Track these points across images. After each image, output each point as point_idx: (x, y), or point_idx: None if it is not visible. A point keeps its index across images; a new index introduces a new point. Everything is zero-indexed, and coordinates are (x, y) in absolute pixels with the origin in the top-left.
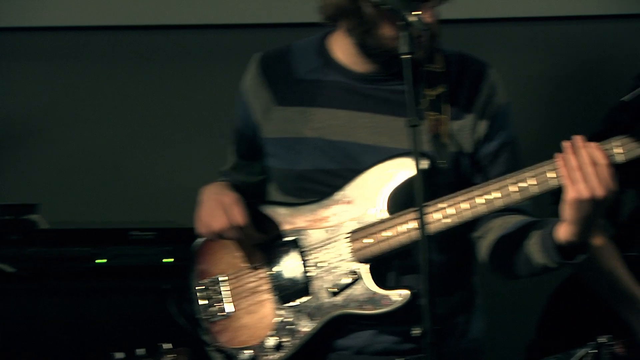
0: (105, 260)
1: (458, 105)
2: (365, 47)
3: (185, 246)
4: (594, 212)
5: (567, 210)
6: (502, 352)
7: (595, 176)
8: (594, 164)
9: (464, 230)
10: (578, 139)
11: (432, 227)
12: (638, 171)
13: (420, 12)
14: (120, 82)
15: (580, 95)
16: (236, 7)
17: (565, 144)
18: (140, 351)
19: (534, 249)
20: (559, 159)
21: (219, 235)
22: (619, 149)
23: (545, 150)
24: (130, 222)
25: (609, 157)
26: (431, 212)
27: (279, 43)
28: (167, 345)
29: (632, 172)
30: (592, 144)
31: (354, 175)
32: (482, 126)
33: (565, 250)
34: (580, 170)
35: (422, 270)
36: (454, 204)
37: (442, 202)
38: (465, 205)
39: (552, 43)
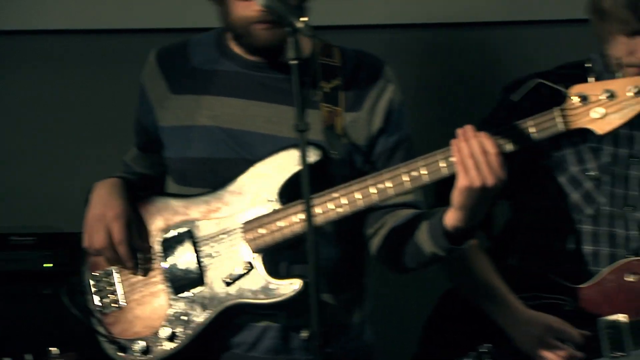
0: None
1: (353, 99)
2: (239, 41)
3: (65, 251)
4: (483, 199)
5: (457, 197)
6: None
7: (486, 165)
8: (485, 152)
9: (357, 227)
10: (469, 128)
11: (325, 217)
12: (510, 183)
13: (307, 19)
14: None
15: (470, 100)
16: None
17: (458, 132)
18: (29, 357)
19: (423, 237)
20: (452, 145)
21: (99, 253)
22: (533, 129)
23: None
24: (10, 227)
25: (498, 146)
26: (325, 202)
27: None
28: (54, 350)
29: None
30: (483, 134)
31: (249, 165)
32: (377, 121)
33: (453, 237)
34: (472, 158)
35: (310, 265)
36: (347, 193)
37: (335, 191)
38: (358, 195)
39: (437, 48)
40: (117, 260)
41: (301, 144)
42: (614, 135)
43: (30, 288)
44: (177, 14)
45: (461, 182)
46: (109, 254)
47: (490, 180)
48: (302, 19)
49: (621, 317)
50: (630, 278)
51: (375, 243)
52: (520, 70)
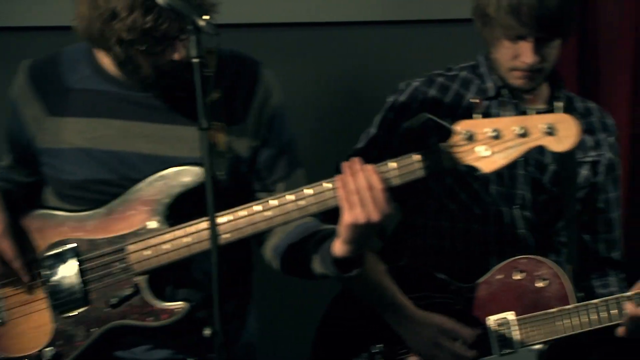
0: None
1: (234, 110)
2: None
3: None
4: (368, 232)
5: (342, 231)
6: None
7: (371, 201)
8: (371, 188)
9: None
10: (356, 162)
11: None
12: (401, 186)
13: (209, 17)
14: None
15: (349, 99)
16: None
17: (344, 166)
18: None
19: (315, 261)
20: (337, 181)
21: None
22: (395, 172)
23: (317, 154)
24: None
25: (385, 180)
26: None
27: None
28: None
29: (396, 188)
30: (369, 167)
31: (132, 186)
32: (262, 131)
33: (341, 264)
34: (357, 194)
35: (213, 280)
36: (236, 219)
37: (222, 216)
38: (245, 221)
39: (319, 48)
40: (7, 277)
41: (204, 145)
42: None
43: None
44: None
45: (346, 219)
46: (1, 270)
47: (375, 216)
48: (204, 17)
49: (509, 315)
50: (517, 276)
51: (267, 250)
52: (404, 70)
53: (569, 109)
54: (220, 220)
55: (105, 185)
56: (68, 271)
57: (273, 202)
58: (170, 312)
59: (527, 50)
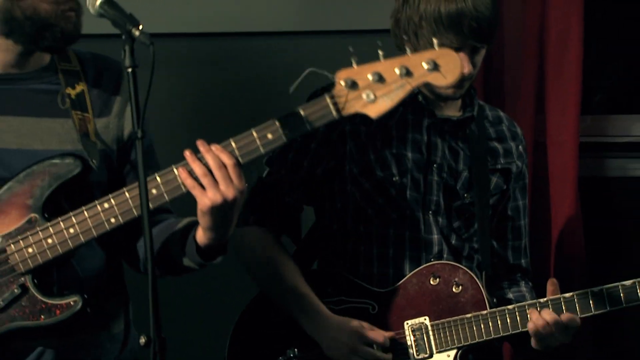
0: None
1: (100, 104)
2: (14, 22)
3: None
4: (228, 214)
5: (201, 218)
6: None
7: (224, 179)
8: (221, 166)
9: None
10: (201, 144)
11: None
12: (315, 189)
13: (141, 26)
14: None
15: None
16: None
17: (187, 153)
18: None
19: (179, 255)
20: (181, 173)
21: None
22: (271, 135)
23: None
24: None
25: (234, 157)
26: (99, 212)
27: None
28: None
29: (307, 191)
30: (216, 147)
31: (3, 183)
32: (127, 124)
33: (206, 253)
34: (207, 177)
35: (149, 268)
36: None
37: (107, 201)
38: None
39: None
40: None
41: (138, 152)
42: (415, 142)
43: None
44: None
45: (202, 204)
46: None
47: (231, 194)
48: (139, 26)
49: (425, 320)
50: (433, 281)
51: (140, 249)
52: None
53: (480, 116)
54: (105, 205)
55: None
56: None
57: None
58: (64, 306)
59: (464, 61)
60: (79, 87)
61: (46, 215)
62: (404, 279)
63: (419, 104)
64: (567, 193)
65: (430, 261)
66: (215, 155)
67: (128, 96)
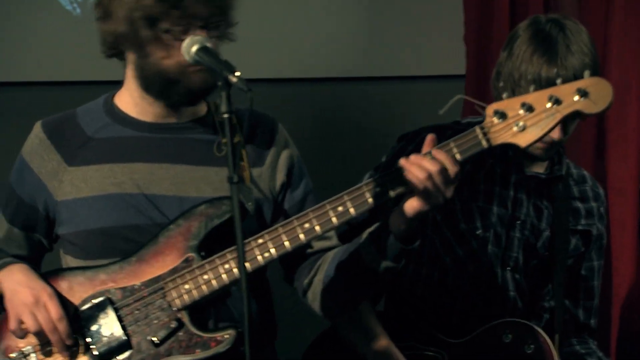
0: None
1: (254, 155)
2: (146, 79)
3: None
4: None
5: (409, 211)
6: None
7: (444, 182)
8: (442, 170)
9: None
10: (413, 159)
11: (253, 264)
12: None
13: (239, 73)
14: None
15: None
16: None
17: (409, 159)
18: None
19: (370, 255)
20: (408, 172)
21: (37, 334)
22: (456, 150)
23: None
24: None
25: (452, 158)
26: (252, 248)
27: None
28: None
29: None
30: (436, 151)
31: (160, 228)
32: (280, 176)
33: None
34: (429, 180)
35: (244, 306)
36: (273, 237)
37: (260, 237)
38: (284, 237)
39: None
40: (56, 339)
41: (233, 196)
42: (501, 197)
43: None
44: None
45: (419, 205)
46: (51, 334)
47: (449, 194)
48: (235, 73)
49: None
50: (506, 339)
51: (312, 291)
52: (412, 123)
53: (566, 175)
54: (259, 240)
55: (133, 230)
56: (106, 320)
57: (311, 214)
58: (219, 340)
59: (557, 128)
60: (235, 138)
61: (202, 254)
62: (477, 333)
63: (508, 158)
64: (626, 243)
65: (504, 317)
66: (436, 161)
67: (281, 148)
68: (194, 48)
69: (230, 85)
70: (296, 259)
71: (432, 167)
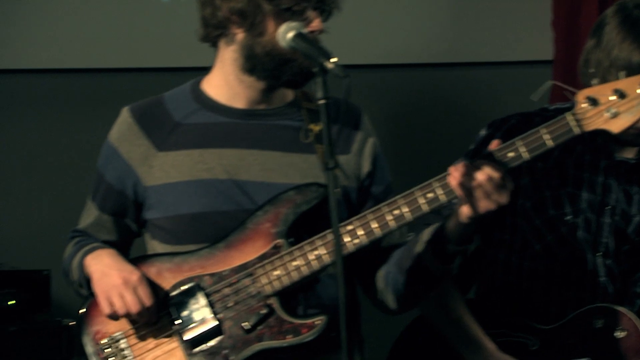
0: None
1: (340, 142)
2: (255, 59)
3: (27, 288)
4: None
5: (464, 217)
6: None
7: (493, 190)
8: (490, 179)
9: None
10: (465, 166)
11: (345, 249)
12: (485, 219)
13: (336, 59)
14: None
15: (448, 138)
16: None
17: (457, 167)
18: None
19: (428, 253)
20: (453, 183)
21: (126, 317)
22: (512, 153)
23: None
24: None
25: (503, 163)
26: (343, 234)
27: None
28: None
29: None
30: (480, 162)
31: (249, 214)
32: (365, 165)
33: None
34: (478, 189)
35: (339, 290)
36: (363, 223)
37: (350, 224)
38: (374, 224)
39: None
40: (145, 322)
41: (329, 182)
42: (591, 183)
43: None
44: (167, 54)
45: (469, 211)
46: (139, 317)
47: (502, 200)
48: (332, 59)
49: None
50: (597, 324)
51: (375, 286)
52: (499, 110)
53: None
54: (349, 227)
55: (222, 216)
56: (197, 306)
57: (401, 200)
58: (310, 325)
59: None
60: (323, 125)
61: (290, 241)
62: (568, 319)
63: (597, 144)
64: None
65: (595, 303)
66: (481, 172)
67: (367, 136)
68: (290, 34)
69: (327, 72)
70: (364, 253)
71: (480, 176)
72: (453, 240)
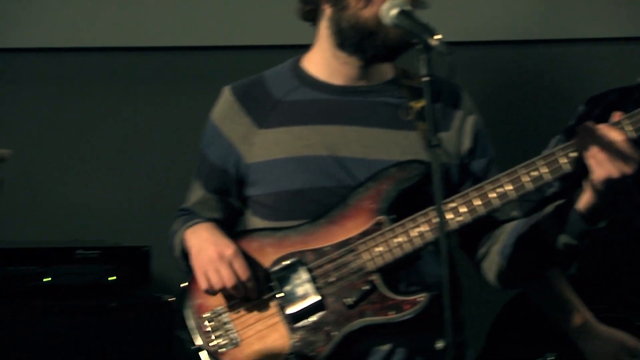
0: (50, 279)
1: (441, 119)
2: (342, 33)
3: (128, 264)
4: (620, 184)
5: (596, 185)
6: None
7: (618, 154)
8: (613, 142)
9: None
10: (590, 125)
11: (448, 226)
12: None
13: (440, 36)
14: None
15: (541, 116)
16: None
17: (580, 129)
18: None
19: (551, 232)
20: (579, 143)
21: (223, 291)
22: (628, 126)
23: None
24: (75, 241)
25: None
26: (446, 211)
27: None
28: None
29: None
30: (601, 126)
31: (349, 191)
32: (466, 142)
33: (588, 220)
34: (603, 152)
35: (443, 270)
36: (465, 201)
37: (452, 201)
38: (477, 202)
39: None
40: (242, 296)
41: (433, 159)
42: None
43: (95, 301)
44: (180, 33)
45: (599, 174)
46: (236, 291)
47: (627, 169)
48: (436, 36)
49: None
50: None
51: (488, 261)
52: (596, 86)
53: None
54: (451, 204)
55: (323, 192)
56: (299, 281)
57: (504, 179)
58: (413, 302)
59: None
60: (422, 102)
61: (392, 218)
62: None
63: None
64: None
65: None
66: (602, 134)
67: (467, 113)
68: (394, 12)
69: (431, 49)
70: (476, 227)
71: (602, 141)
72: (581, 213)
